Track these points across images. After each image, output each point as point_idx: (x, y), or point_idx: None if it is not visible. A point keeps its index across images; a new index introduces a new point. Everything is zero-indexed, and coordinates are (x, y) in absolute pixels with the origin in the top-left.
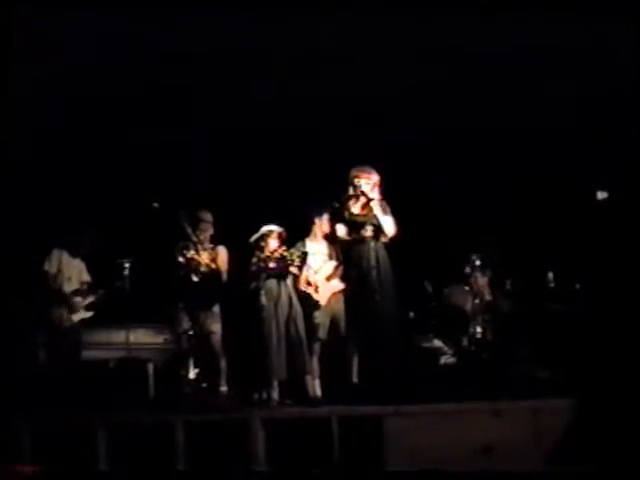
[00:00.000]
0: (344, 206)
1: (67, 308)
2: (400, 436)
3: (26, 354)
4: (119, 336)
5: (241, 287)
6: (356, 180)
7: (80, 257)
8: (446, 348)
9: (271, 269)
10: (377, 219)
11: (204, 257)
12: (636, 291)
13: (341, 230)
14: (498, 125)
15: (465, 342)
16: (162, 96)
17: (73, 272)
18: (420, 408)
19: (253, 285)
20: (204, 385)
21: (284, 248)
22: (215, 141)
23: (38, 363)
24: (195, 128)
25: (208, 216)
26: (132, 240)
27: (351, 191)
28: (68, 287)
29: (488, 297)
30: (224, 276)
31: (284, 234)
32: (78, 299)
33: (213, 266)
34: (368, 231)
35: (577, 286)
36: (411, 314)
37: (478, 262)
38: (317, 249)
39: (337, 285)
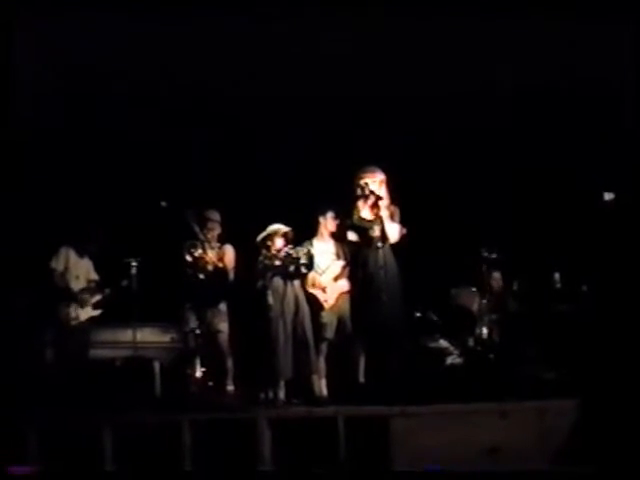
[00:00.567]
0: (353, 210)
1: (74, 306)
2: (406, 436)
3: (33, 352)
4: (126, 335)
5: (248, 286)
6: (362, 181)
7: (88, 255)
8: (452, 349)
9: (277, 268)
10: (383, 225)
11: (211, 256)
12: None
13: (350, 235)
14: (507, 125)
15: (471, 343)
16: (169, 95)
17: (80, 270)
18: (426, 408)
19: (260, 284)
20: (210, 384)
21: (290, 246)
22: (222, 140)
23: (45, 361)
24: (202, 127)
25: (215, 215)
26: (139, 239)
27: (359, 192)
28: (75, 285)
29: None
30: (231, 275)
31: (291, 233)
32: (85, 297)
33: (220, 265)
34: (376, 231)
35: (583, 287)
36: (417, 314)
37: (494, 255)
38: (324, 248)
39: (344, 285)
